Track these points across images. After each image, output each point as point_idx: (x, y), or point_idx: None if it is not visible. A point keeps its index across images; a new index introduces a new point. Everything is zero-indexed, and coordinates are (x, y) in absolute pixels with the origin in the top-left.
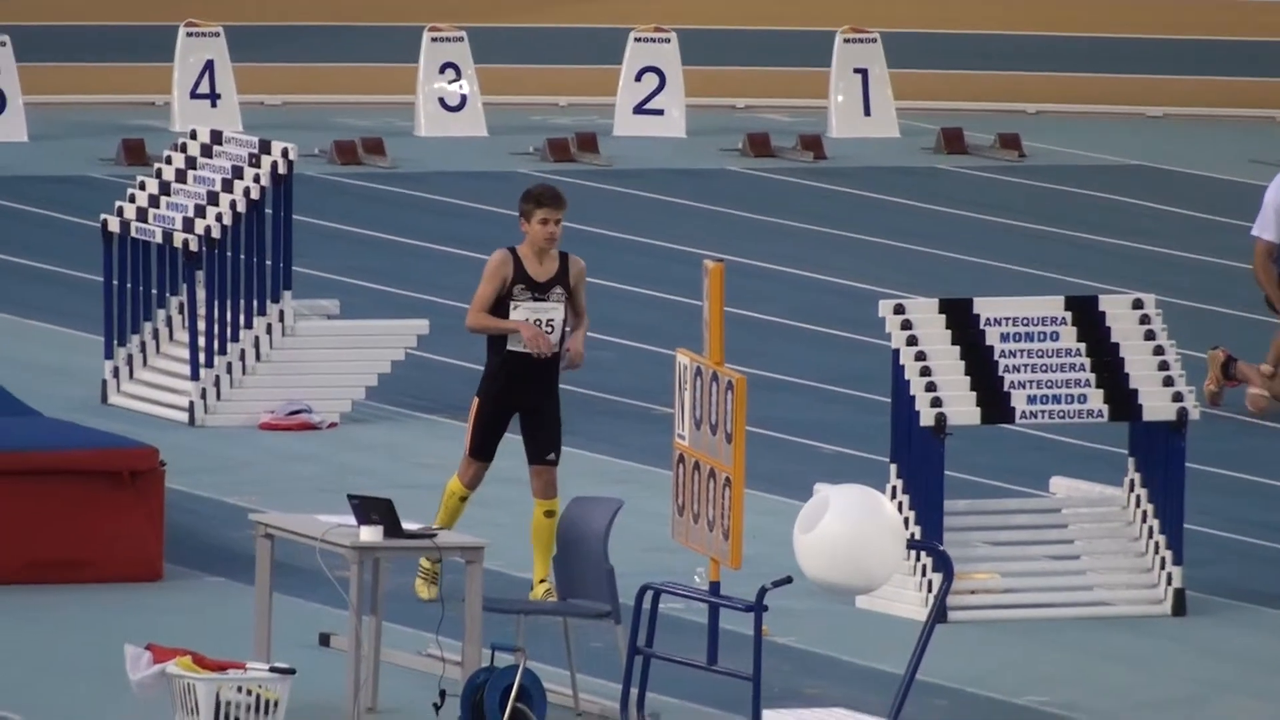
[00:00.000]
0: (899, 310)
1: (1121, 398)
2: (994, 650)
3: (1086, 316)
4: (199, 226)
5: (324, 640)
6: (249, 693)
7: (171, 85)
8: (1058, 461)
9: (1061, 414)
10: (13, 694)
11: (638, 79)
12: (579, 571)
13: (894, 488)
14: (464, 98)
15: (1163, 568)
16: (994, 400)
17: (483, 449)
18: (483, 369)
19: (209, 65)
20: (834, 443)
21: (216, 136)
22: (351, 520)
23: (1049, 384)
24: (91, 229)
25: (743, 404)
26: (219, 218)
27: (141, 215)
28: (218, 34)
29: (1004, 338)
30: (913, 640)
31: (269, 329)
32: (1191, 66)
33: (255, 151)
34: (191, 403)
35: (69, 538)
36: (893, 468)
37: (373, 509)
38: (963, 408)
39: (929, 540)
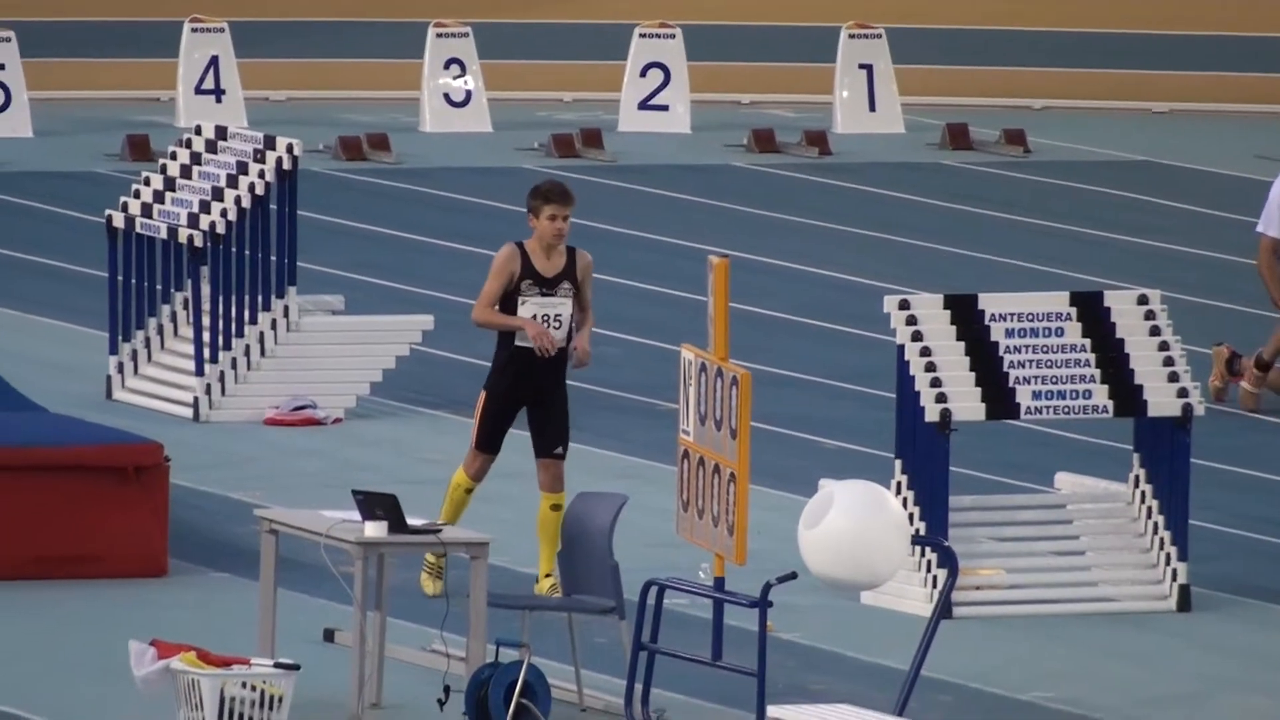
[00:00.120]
0: (904, 306)
1: (1126, 393)
2: (999, 646)
3: (1091, 312)
4: (204, 222)
5: (328, 636)
6: (253, 688)
7: (176, 81)
8: (1062, 457)
9: (1066, 410)
10: (17, 690)
11: (642, 74)
12: (584, 567)
13: (899, 483)
14: (469, 93)
15: (1167, 563)
16: (999, 396)
17: (489, 442)
18: (489, 363)
19: (214, 61)
20: (839, 438)
21: (221, 132)
22: (356, 516)
23: (1054, 380)
24: (96, 225)
25: (747, 399)
26: (224, 213)
27: (146, 211)
28: (222, 29)
29: (1009, 333)
30: (917, 636)
31: (274, 324)
32: (1197, 62)
33: (260, 147)
34: (196, 398)
35: (74, 533)
36: (897, 463)
37: (377, 504)
38: (967, 403)
39: (934, 536)
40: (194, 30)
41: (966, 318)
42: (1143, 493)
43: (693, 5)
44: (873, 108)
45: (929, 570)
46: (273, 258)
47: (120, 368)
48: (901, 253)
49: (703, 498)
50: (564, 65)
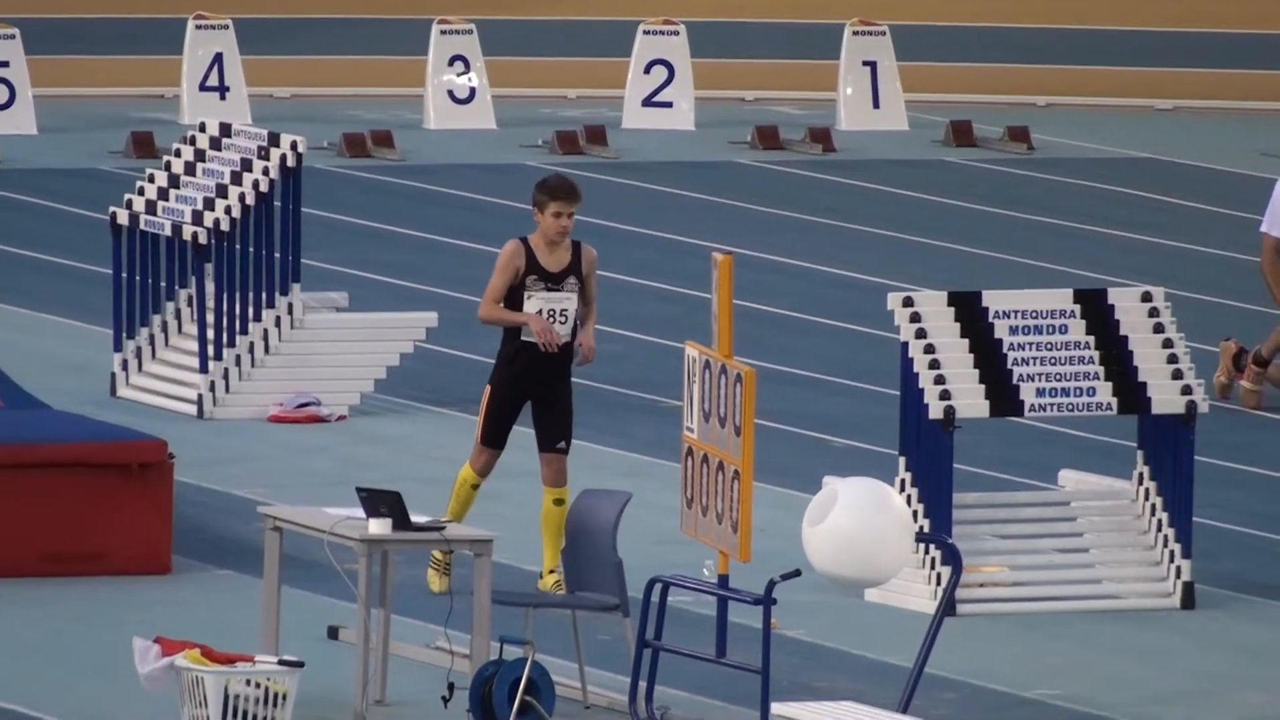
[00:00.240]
0: (908, 303)
1: (1130, 390)
2: (1003, 643)
3: (1095, 309)
4: (208, 219)
5: (332, 633)
6: (257, 686)
7: (180, 78)
8: (1066, 454)
9: (1070, 407)
10: (22, 687)
11: (646, 71)
12: (587, 564)
13: (903, 481)
14: (473, 90)
15: (1171, 561)
16: (1003, 393)
17: (495, 437)
18: (494, 360)
19: (218, 58)
20: (843, 436)
21: (225, 129)
22: (360, 513)
23: (1058, 377)
24: (100, 222)
25: (751, 397)
26: (228, 210)
27: (150, 208)
28: (227, 26)
29: (1013, 330)
30: (921, 633)
31: (278, 322)
32: (1202, 59)
33: (264, 144)
34: (200, 395)
35: (78, 530)
36: (901, 461)
37: (381, 501)
38: (971, 400)
39: (938, 533)
40: (198, 27)
41: (970, 315)
42: (1146, 490)
43: (697, 2)
44: (876, 105)
45: (933, 567)
46: (277, 255)
47: (124, 365)
48: (905, 250)
49: (707, 495)
50: (568, 62)
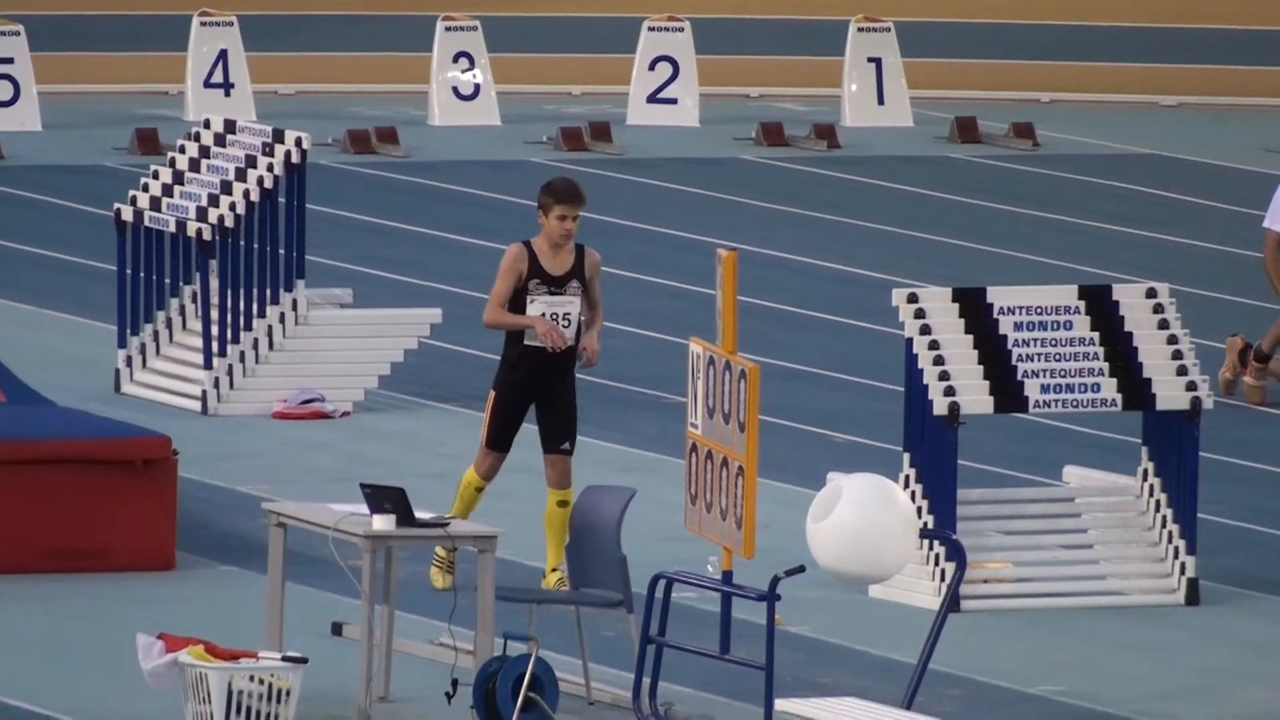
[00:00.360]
0: (912, 299)
1: (1135, 387)
2: (1007, 640)
3: (1100, 305)
4: (212, 215)
5: (336, 629)
6: (261, 682)
7: (185, 74)
8: (1071, 450)
9: (1075, 403)
10: (25, 683)
11: (651, 68)
12: (591, 560)
13: (907, 477)
14: (477, 87)
15: (1176, 557)
16: (1007, 389)
17: (500, 441)
18: (498, 359)
19: (222, 54)
20: (847, 432)
21: (230, 126)
22: (364, 509)
23: (1062, 373)
24: (105, 218)
25: (755, 393)
26: (232, 207)
27: (155, 204)
28: (231, 23)
29: (1017, 327)
30: (926, 629)
31: (282, 318)
32: (1206, 56)
33: (268, 141)
34: (204, 391)
35: (81, 527)
36: (906, 457)
37: (385, 498)
38: (976, 397)
39: (942, 529)
40: (203, 24)
41: (975, 311)
42: (1151, 486)
43: None
44: (881, 101)
45: (937, 564)
46: (281, 251)
47: (129, 361)
48: (910, 246)
49: (711, 491)
50: (572, 59)
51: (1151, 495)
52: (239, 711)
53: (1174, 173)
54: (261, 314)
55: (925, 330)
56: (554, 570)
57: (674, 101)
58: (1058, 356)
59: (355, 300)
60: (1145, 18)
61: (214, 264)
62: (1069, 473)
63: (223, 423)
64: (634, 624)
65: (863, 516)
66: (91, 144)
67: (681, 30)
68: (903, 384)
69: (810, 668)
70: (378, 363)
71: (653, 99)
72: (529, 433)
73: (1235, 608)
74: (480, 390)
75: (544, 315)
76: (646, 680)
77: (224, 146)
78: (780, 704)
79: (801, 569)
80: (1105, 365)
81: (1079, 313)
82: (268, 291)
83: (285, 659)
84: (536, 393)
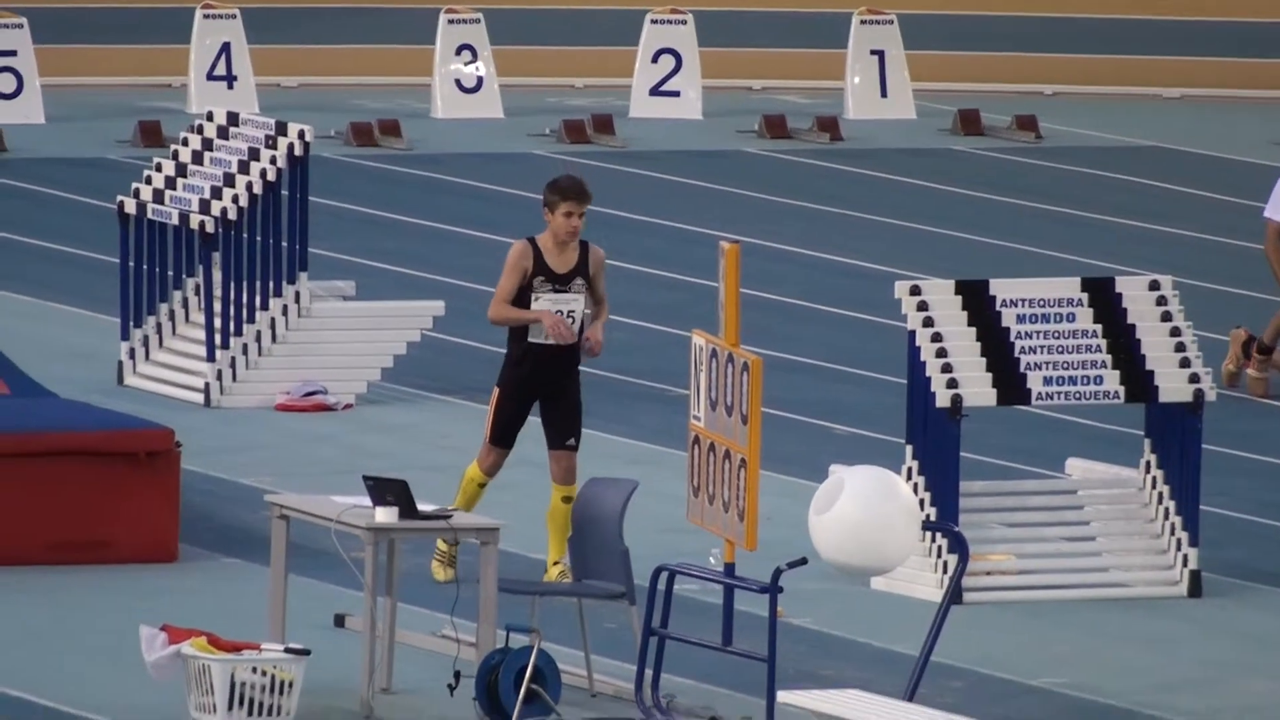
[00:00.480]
0: (915, 292)
1: (1138, 379)
2: (1009, 631)
3: (1103, 298)
4: (215, 208)
5: (339, 621)
6: (264, 673)
7: (188, 67)
8: (1073, 443)
9: (1077, 395)
10: (28, 674)
11: (654, 61)
12: (594, 553)
13: (909, 469)
14: (480, 79)
15: (1178, 549)
16: (1010, 381)
17: (503, 437)
18: (501, 352)
19: (225, 47)
20: (849, 424)
21: (233, 118)
22: (366, 501)
23: (1065, 365)
24: (108, 211)
25: (758, 385)
26: (235, 199)
27: (158, 197)
28: (234, 16)
29: (1020, 319)
30: (928, 621)
31: (285, 310)
32: (1209, 48)
33: (271, 133)
34: (207, 384)
35: (85, 519)
36: (908, 449)
37: (388, 490)
38: (978, 389)
39: (944, 522)
40: (206, 16)
41: (978, 303)
42: (1154, 478)
43: None
44: (884, 93)
45: (939, 556)
46: (284, 243)
47: (132, 353)
48: (913, 238)
49: (713, 483)
50: (575, 51)
51: (1154, 487)
52: (241, 703)
53: (1177, 165)
54: (264, 306)
55: (928, 322)
56: (555, 564)
57: (677, 94)
58: (1060, 349)
59: (358, 293)
60: (1148, 10)
61: (217, 256)
62: (1071, 465)
63: (225, 415)
64: (636, 616)
65: (865, 509)
66: (94, 136)
67: (684, 23)
68: (905, 376)
69: (812, 660)
70: (380, 355)
71: (655, 92)
72: (532, 427)
73: (1237, 600)
74: (482, 383)
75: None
76: (649, 672)
77: (227, 139)
78: (782, 696)
79: (804, 561)
80: (1108, 357)
81: (1082, 305)
82: (270, 284)
83: (288, 651)
84: (541, 389)
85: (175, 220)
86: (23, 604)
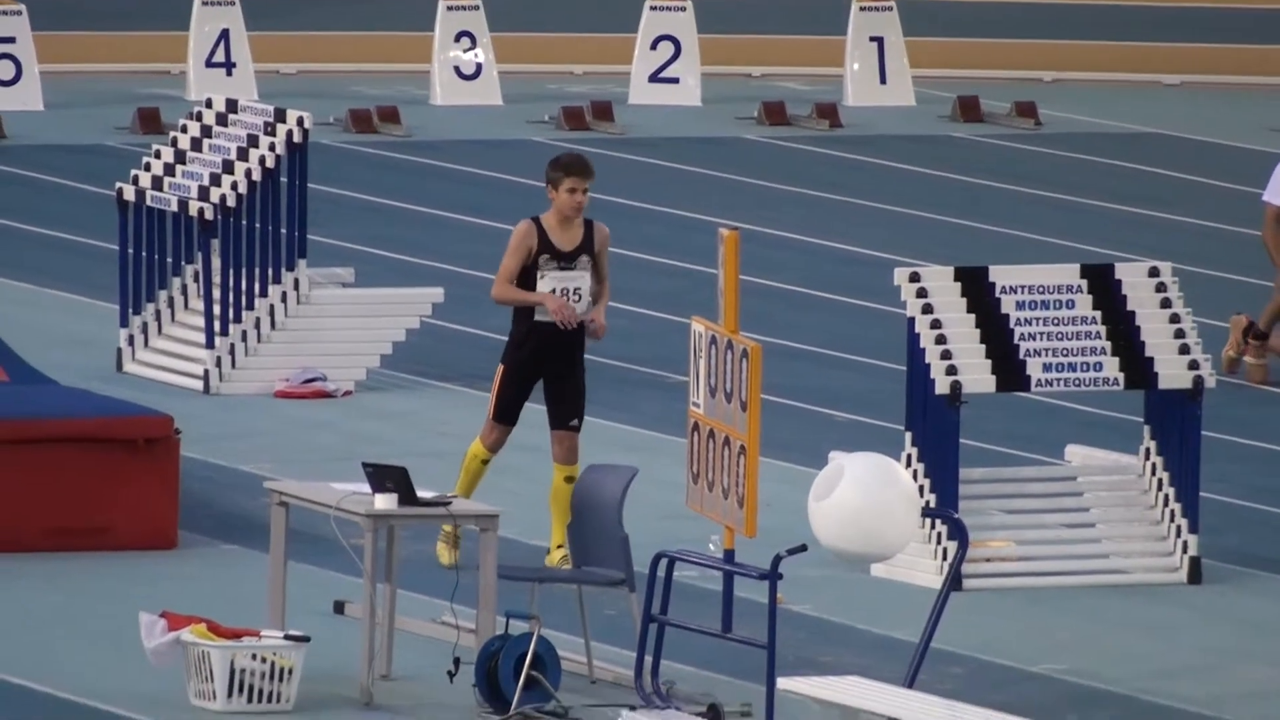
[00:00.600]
0: (914, 278)
1: (1137, 366)
2: (1009, 618)
3: (1102, 284)
4: (214, 195)
5: (338, 608)
6: (263, 660)
7: (187, 54)
8: (1073, 429)
9: (1077, 382)
10: (27, 660)
11: (653, 47)
12: (593, 539)
13: (909, 456)
14: (479, 66)
15: (1178, 536)
16: (1009, 368)
17: (506, 414)
18: (500, 339)
19: (224, 34)
20: (849, 411)
21: (232, 105)
22: (366, 488)
23: (1064, 352)
24: (107, 198)
25: (758, 372)
26: (234, 186)
27: (157, 184)
28: (233, 3)
29: (1019, 306)
30: (928, 608)
31: (284, 297)
32: (1209, 34)
33: (270, 120)
34: (206, 371)
35: (84, 505)
36: (908, 436)
37: (387, 477)
38: (978, 376)
39: (944, 508)
40: (204, 3)
41: (977, 290)
42: (1153, 465)
43: None
44: (883, 80)
45: (939, 542)
46: (283, 230)
47: (131, 340)
48: (912, 225)
49: (713, 470)
50: (574, 38)
51: (1154, 474)
52: (241, 690)
53: (1176, 152)
54: (263, 293)
55: (927, 309)
56: (559, 547)
57: (676, 81)
58: (1060, 335)
59: (357, 279)
60: None
61: (216, 243)
62: (1071, 451)
63: (224, 402)
64: (636, 603)
65: (865, 495)
66: (93, 123)
67: (683, 9)
68: (905, 363)
69: (812, 646)
70: (379, 342)
71: (654, 78)
72: (534, 412)
73: (1237, 586)
74: (482, 370)
75: (554, 291)
76: (648, 659)
77: (226, 126)
78: (782, 683)
79: (803, 548)
80: (1107, 344)
81: (1081, 292)
82: (269, 271)
83: (287, 637)
84: (545, 368)
85: (174, 207)
86: (22, 591)
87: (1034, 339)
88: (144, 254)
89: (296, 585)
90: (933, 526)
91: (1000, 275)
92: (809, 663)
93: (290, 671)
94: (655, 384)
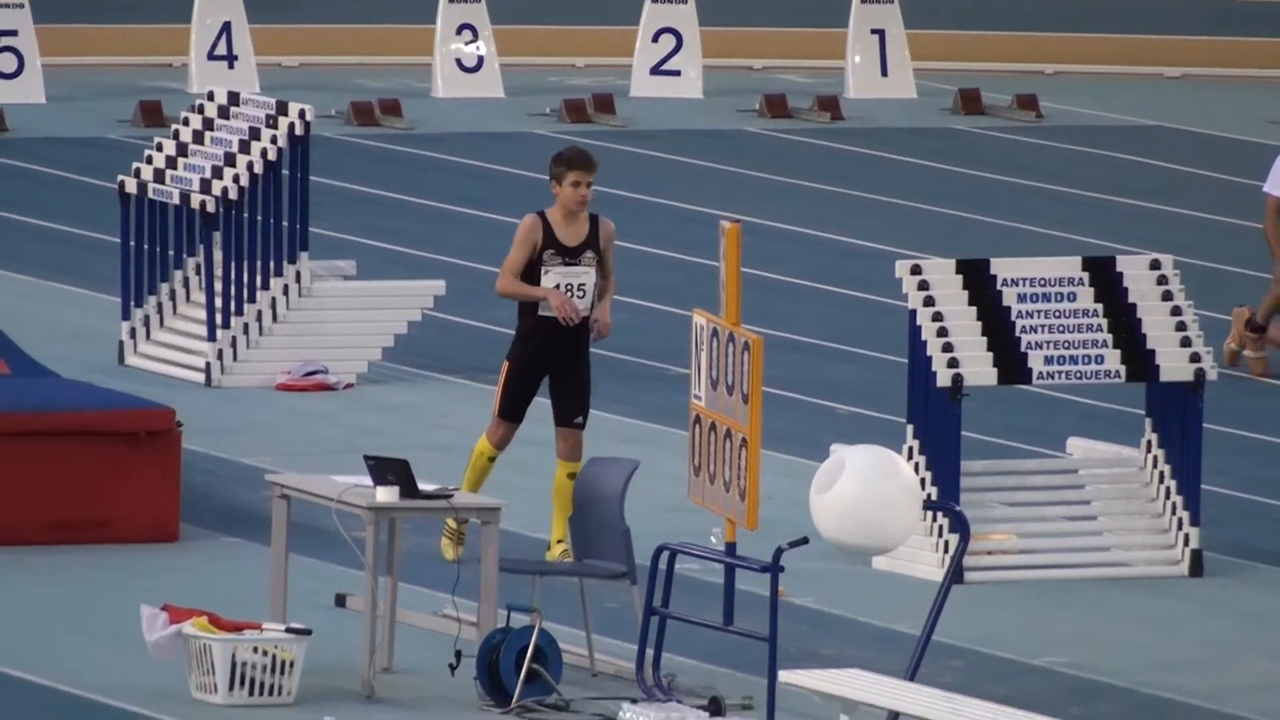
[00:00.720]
0: (916, 271)
1: (1139, 358)
2: (1010, 611)
3: (1104, 277)
4: (216, 188)
5: (340, 601)
6: (265, 653)
7: (189, 47)
8: (1074, 422)
9: (1078, 374)
10: (29, 654)
11: (655, 40)
12: (595, 532)
13: (910, 448)
14: (481, 59)
15: (1180, 528)
16: (1011, 361)
17: (512, 411)
18: (501, 331)
19: (226, 27)
20: (850, 403)
21: (234, 98)
22: (367, 481)
23: (1066, 344)
24: (109, 190)
25: (759, 364)
26: (236, 179)
27: (159, 177)
28: None
29: (1021, 298)
30: (929, 601)
31: (285, 290)
32: (1210, 27)
33: (272, 113)
34: (208, 364)
35: (85, 498)
36: (909, 428)
37: (389, 470)
38: (979, 368)
39: (945, 501)
40: None
41: (978, 283)
42: (1155, 458)
43: None
44: (885, 73)
45: (940, 535)
46: (285, 223)
47: (132, 333)
48: (913, 218)
49: (714, 463)
50: (576, 30)
51: (1155, 467)
52: (243, 683)
53: (1178, 144)
54: (265, 286)
55: (929, 302)
56: (559, 542)
57: (677, 73)
58: (1061, 328)
59: (358, 272)
60: None
61: (217, 236)
62: (1072, 444)
63: (226, 395)
64: (637, 596)
65: (866, 488)
66: (95, 116)
67: (685, 2)
68: (906, 356)
69: (813, 639)
70: (381, 335)
71: (656, 71)
72: (539, 406)
73: (1238, 579)
74: (484, 363)
75: (559, 286)
76: (650, 652)
77: (228, 119)
78: (783, 675)
79: (805, 541)
80: (1109, 337)
81: (1082, 284)
82: (271, 263)
83: (289, 630)
84: (550, 364)
85: (176, 200)
86: (23, 584)
87: (1035, 331)
88: (146, 247)
89: (298, 578)
90: (934, 519)
91: (1002, 268)
92: (810, 655)
93: (292, 664)
94: (656, 376)
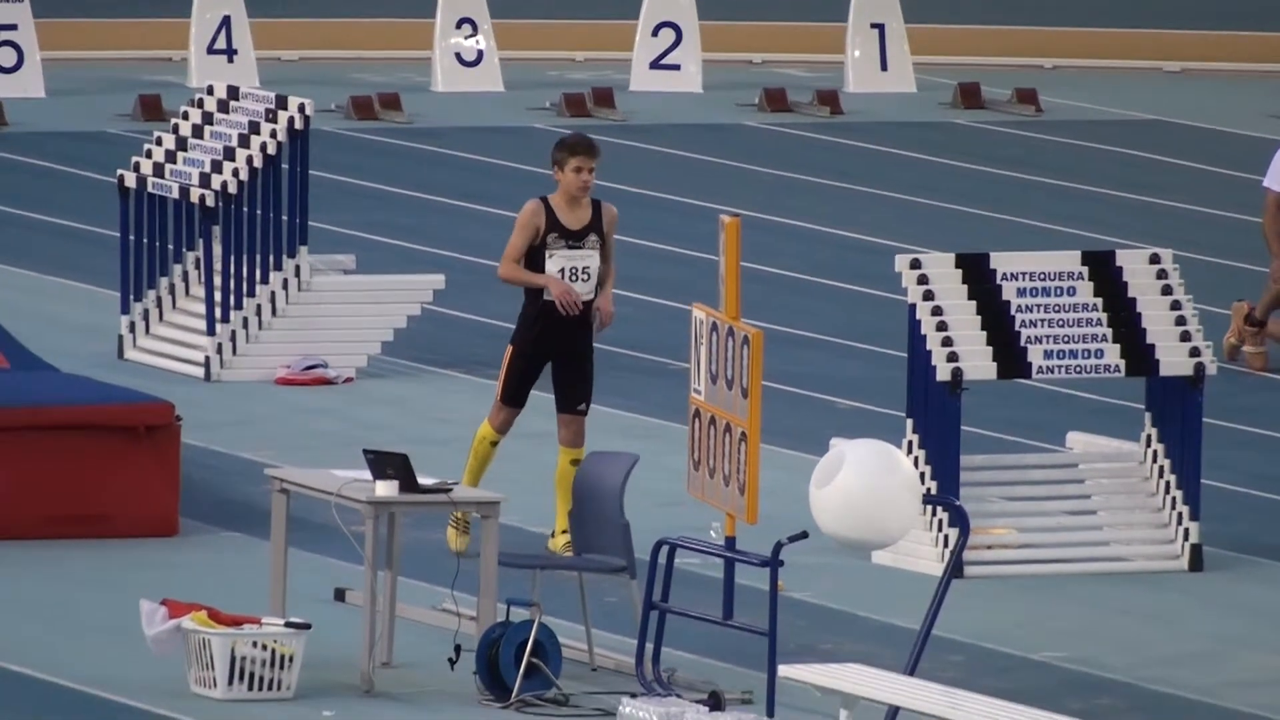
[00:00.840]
0: (915, 265)
1: (1138, 353)
2: (1010, 606)
3: (1103, 271)
4: (215, 182)
5: (339, 595)
6: (264, 648)
7: (188, 41)
8: (1074, 417)
9: (1078, 369)
10: (28, 649)
11: (654, 34)
12: (595, 526)
13: (910, 443)
14: (480, 53)
15: (1179, 523)
16: (1010, 355)
17: (515, 396)
18: (501, 325)
19: (226, 21)
20: (850, 398)
21: (233, 92)
22: (367, 475)
23: (1066, 339)
24: (108, 185)
25: (759, 359)
26: (235, 173)
27: (158, 171)
28: None
29: (1021, 293)
30: (929, 595)
31: (285, 284)
32: (1210, 21)
33: (272, 107)
34: (207, 358)
35: (85, 493)
36: (909, 423)
37: (388, 464)
38: (979, 363)
39: (945, 495)
40: None
41: (978, 277)
42: (1154, 452)
43: None
44: (884, 67)
45: (940, 530)
46: (284, 217)
47: (132, 327)
48: (913, 212)
49: (714, 457)
50: (576, 24)
51: (1155, 461)
52: (242, 677)
53: (1177, 138)
54: (264, 280)
55: (928, 296)
56: (564, 531)
57: (677, 67)
58: (1061, 322)
59: (358, 266)
60: None
61: (217, 230)
62: (1072, 439)
63: (226, 389)
64: (637, 590)
65: (866, 482)
66: (95, 110)
67: None
68: (906, 350)
69: (813, 634)
70: (381, 329)
71: (656, 65)
72: (539, 398)
73: (1238, 573)
74: (483, 356)
75: (562, 271)
76: (649, 646)
77: (227, 113)
78: (783, 670)
79: (804, 535)
80: (1109, 331)
81: (1082, 278)
82: (271, 258)
83: (288, 625)
84: (554, 351)
85: (175, 194)
86: (22, 578)
87: (1035, 326)
88: (145, 241)
89: (297, 572)
90: (934, 514)
91: (1001, 262)
92: (810, 650)
93: (291, 659)
94: (656, 371)
